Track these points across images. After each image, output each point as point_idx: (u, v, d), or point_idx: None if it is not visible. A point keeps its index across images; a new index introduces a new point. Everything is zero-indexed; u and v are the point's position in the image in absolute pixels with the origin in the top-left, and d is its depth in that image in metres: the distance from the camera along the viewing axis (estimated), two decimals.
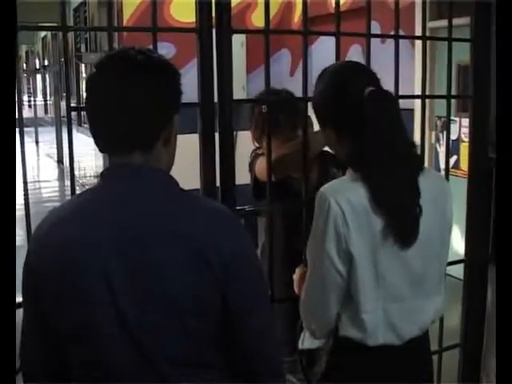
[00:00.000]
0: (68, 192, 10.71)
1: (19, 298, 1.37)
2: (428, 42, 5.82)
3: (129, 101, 1.26)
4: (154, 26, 1.82)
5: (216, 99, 1.91)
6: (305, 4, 2.06)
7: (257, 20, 7.83)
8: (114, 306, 1.23)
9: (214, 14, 1.87)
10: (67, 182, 11.74)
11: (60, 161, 13.65)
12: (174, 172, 1.38)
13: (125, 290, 1.23)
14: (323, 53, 6.69)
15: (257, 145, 2.46)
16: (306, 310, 1.72)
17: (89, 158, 9.56)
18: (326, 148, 2.25)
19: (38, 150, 16.27)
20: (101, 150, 1.34)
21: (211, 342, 1.31)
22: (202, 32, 1.85)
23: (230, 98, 1.90)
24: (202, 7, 1.85)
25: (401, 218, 1.59)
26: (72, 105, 1.77)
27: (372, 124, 1.59)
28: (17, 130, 1.76)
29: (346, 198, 1.57)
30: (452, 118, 4.99)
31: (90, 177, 9.99)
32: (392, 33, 2.32)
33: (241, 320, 1.31)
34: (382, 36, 2.54)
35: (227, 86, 1.89)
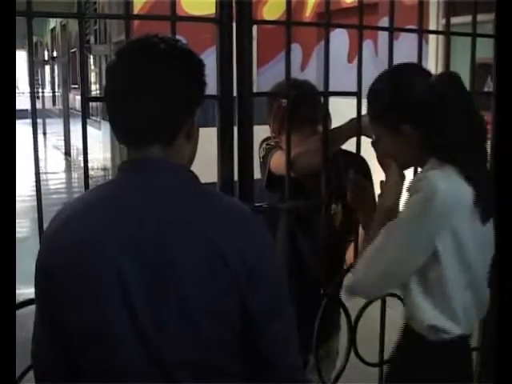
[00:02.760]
0: (75, 184, 10.74)
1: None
2: (442, 39, 5.76)
3: (149, 90, 1.20)
4: (173, 14, 1.77)
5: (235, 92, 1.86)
6: None
7: (268, 13, 7.79)
8: (127, 306, 1.18)
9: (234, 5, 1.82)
10: (74, 174, 11.75)
11: (67, 153, 13.63)
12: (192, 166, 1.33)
13: (138, 291, 1.18)
14: (335, 48, 6.64)
15: (275, 139, 2.38)
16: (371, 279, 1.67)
17: (96, 151, 9.54)
18: (343, 147, 2.20)
19: (45, 142, 16.27)
20: (120, 142, 1.28)
21: (227, 347, 1.25)
22: (223, 22, 1.79)
23: (250, 90, 1.85)
24: None
25: (488, 189, 1.62)
26: (78, 96, 1.73)
27: (452, 105, 1.62)
28: (29, 121, 1.73)
29: (452, 193, 1.56)
30: None
31: (98, 169, 9.96)
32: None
33: (260, 326, 1.24)
34: (405, 30, 2.48)
35: (247, 78, 1.84)
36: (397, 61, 2.18)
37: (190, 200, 1.23)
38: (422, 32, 2.18)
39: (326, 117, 2.03)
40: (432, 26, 5.71)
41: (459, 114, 1.63)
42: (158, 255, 1.17)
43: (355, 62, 2.09)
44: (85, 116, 1.82)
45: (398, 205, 1.77)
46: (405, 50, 2.25)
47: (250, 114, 1.85)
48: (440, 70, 5.99)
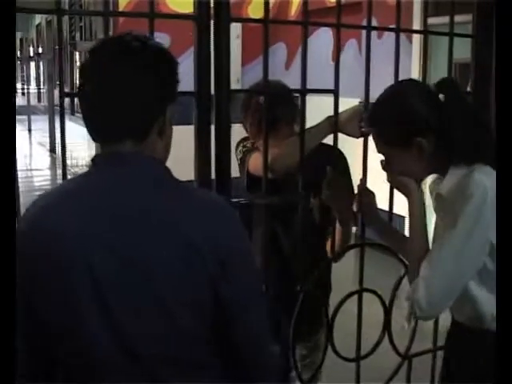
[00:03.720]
0: (59, 181, 10.66)
1: None
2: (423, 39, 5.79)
3: (122, 87, 1.22)
4: (152, 11, 1.78)
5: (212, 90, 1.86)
6: None
7: (253, 12, 7.81)
8: (98, 299, 1.19)
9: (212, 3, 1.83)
10: (59, 171, 11.69)
11: (52, 150, 13.56)
12: (169, 164, 1.34)
13: (110, 283, 1.19)
14: (319, 47, 6.67)
15: (253, 140, 2.39)
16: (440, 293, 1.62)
17: (81, 148, 9.50)
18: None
19: (30, 138, 16.17)
20: (93, 139, 1.30)
21: (202, 339, 1.27)
22: (201, 19, 1.80)
23: (228, 88, 1.86)
24: None
25: None
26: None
27: (457, 106, 1.67)
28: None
29: (494, 191, 1.56)
30: None
31: (82, 166, 9.92)
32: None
33: (234, 317, 1.27)
34: (382, 29, 2.50)
35: (224, 76, 1.85)
36: (380, 59, 2.20)
37: (163, 193, 1.25)
38: (399, 31, 2.19)
39: (303, 116, 2.04)
40: (416, 26, 5.74)
41: (465, 113, 1.68)
42: (131, 248, 1.19)
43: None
44: (63, 110, 1.82)
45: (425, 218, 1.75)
46: (388, 49, 2.27)
47: (228, 111, 1.86)
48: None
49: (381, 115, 1.76)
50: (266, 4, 1.92)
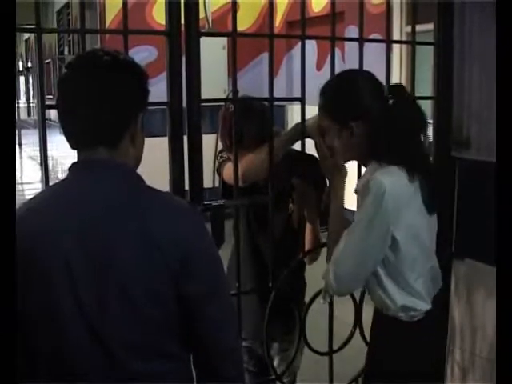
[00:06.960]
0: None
1: None
2: (405, 46, 5.82)
3: (95, 98, 1.33)
4: (125, 28, 1.89)
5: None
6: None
7: (238, 23, 7.90)
8: (74, 294, 1.29)
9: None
10: (51, 184, 11.70)
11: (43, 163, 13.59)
12: (149, 176, 1.45)
13: (84, 280, 1.29)
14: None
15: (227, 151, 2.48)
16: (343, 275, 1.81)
17: (71, 160, 9.57)
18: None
19: (20, 153, 16.21)
20: (71, 146, 1.41)
21: (171, 332, 1.37)
22: (172, 34, 1.91)
23: (198, 99, 1.96)
24: (172, 11, 1.93)
25: (430, 186, 1.86)
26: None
27: (399, 115, 1.86)
28: None
29: (398, 188, 1.78)
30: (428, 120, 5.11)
31: None
32: (370, 37, 2.43)
33: (197, 312, 1.37)
34: (346, 39, 2.63)
35: (195, 87, 1.96)
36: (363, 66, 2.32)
37: (132, 196, 1.36)
38: (363, 41, 2.32)
39: (271, 124, 2.15)
40: (396, 34, 5.87)
41: (404, 122, 1.85)
42: (102, 246, 1.30)
43: (324, 70, 2.22)
44: (44, 122, 1.93)
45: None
46: (368, 57, 2.39)
47: (198, 121, 1.97)
48: (404, 76, 6.15)
49: (332, 87, 1.95)
50: (234, 18, 2.07)
